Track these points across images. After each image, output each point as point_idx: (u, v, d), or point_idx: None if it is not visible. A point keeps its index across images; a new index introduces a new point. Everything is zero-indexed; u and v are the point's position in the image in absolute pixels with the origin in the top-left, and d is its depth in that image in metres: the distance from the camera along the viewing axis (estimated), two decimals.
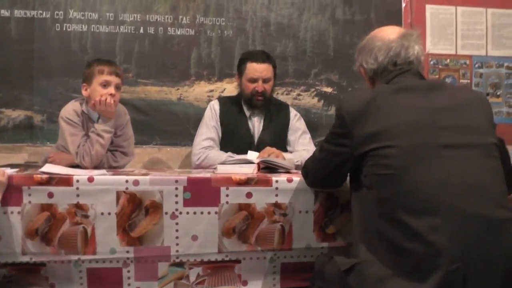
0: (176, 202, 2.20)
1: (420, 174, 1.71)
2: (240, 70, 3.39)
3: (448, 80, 4.48)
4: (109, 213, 2.18)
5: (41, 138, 3.95)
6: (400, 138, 1.76)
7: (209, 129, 3.34)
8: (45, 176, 2.18)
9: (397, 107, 1.82)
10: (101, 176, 2.25)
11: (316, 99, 4.32)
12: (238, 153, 3.13)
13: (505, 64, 4.63)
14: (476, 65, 4.59)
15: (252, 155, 2.96)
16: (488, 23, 4.62)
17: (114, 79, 2.80)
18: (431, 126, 1.78)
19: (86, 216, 2.18)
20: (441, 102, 1.83)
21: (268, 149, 3.04)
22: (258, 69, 3.30)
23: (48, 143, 3.87)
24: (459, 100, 1.86)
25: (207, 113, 3.42)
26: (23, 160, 3.77)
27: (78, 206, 2.17)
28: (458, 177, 1.71)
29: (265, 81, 3.30)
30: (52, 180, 2.17)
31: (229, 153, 3.15)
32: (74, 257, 2.19)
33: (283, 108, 3.54)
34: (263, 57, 3.34)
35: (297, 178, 2.28)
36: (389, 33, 2.04)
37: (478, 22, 4.60)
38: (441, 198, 1.67)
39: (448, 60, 4.54)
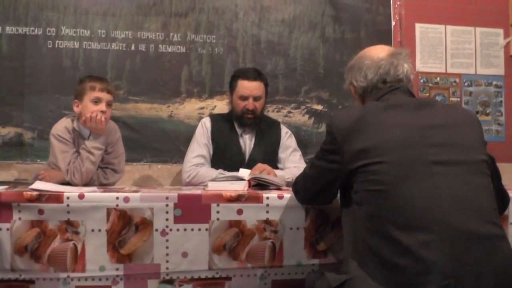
0: (167, 219, 2.19)
1: (410, 190, 1.72)
2: (232, 87, 3.40)
3: (438, 99, 4.51)
4: (100, 230, 2.17)
5: (32, 155, 3.93)
6: (390, 155, 1.76)
7: (200, 146, 3.33)
8: (35, 193, 2.16)
9: (387, 123, 1.83)
10: (92, 193, 2.23)
11: (306, 116, 4.34)
12: (229, 170, 3.13)
13: (494, 83, 4.68)
14: (466, 84, 4.63)
15: (243, 172, 2.96)
16: (476, 42, 4.67)
17: (105, 96, 2.80)
18: (420, 143, 1.78)
19: (77, 233, 2.16)
20: (431, 119, 1.85)
21: (259, 165, 3.04)
22: (249, 87, 3.30)
23: (38, 160, 3.86)
24: (449, 118, 1.88)
25: (199, 130, 3.41)
26: (13, 178, 3.75)
27: (68, 222, 2.16)
28: (448, 193, 1.71)
29: (255, 99, 3.30)
30: (42, 197, 2.15)
31: (220, 170, 3.15)
32: (63, 275, 2.16)
33: (274, 126, 3.54)
34: (255, 74, 3.34)
35: (287, 194, 2.27)
36: (378, 51, 2.07)
37: (467, 41, 4.66)
38: (431, 214, 1.67)
39: (438, 79, 4.59)
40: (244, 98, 3.30)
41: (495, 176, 1.93)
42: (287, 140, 3.49)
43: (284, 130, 3.54)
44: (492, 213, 1.76)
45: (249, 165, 3.16)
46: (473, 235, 1.66)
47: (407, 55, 2.07)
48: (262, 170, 2.98)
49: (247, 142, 3.40)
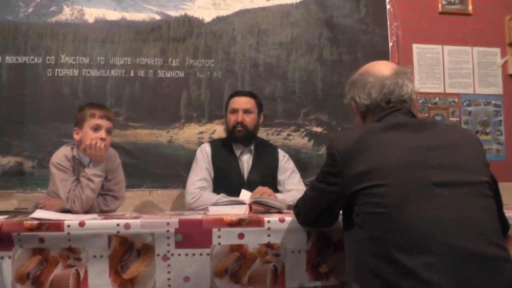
0: (168, 244, 2.18)
1: (412, 212, 1.70)
2: (226, 108, 3.52)
3: (437, 119, 4.51)
4: (101, 256, 2.16)
5: (32, 184, 3.92)
6: (391, 177, 1.75)
7: (202, 170, 3.35)
8: (35, 222, 2.15)
9: (387, 145, 1.82)
10: (92, 220, 2.22)
11: (306, 139, 4.34)
12: (230, 193, 3.12)
13: (493, 102, 4.69)
14: (465, 103, 4.64)
15: (245, 194, 2.96)
16: (474, 61, 4.69)
17: (105, 123, 2.80)
18: (421, 165, 1.77)
19: (79, 259, 2.15)
20: (431, 140, 1.84)
21: (260, 188, 3.02)
22: (238, 100, 3.44)
23: (38, 189, 3.85)
24: (450, 139, 1.86)
25: (199, 155, 3.44)
26: (13, 207, 3.73)
27: (70, 249, 2.15)
28: (450, 215, 1.70)
29: (245, 112, 3.39)
30: (42, 225, 2.14)
31: (222, 195, 3.14)
32: None
33: (272, 150, 3.58)
34: (246, 92, 3.52)
35: (289, 218, 2.26)
36: (382, 69, 2.04)
37: (465, 61, 4.68)
38: (433, 235, 1.66)
39: (437, 99, 4.60)
40: (234, 111, 3.41)
41: (497, 201, 1.89)
42: (285, 163, 3.52)
43: (281, 154, 3.57)
44: (495, 234, 1.74)
45: (248, 187, 3.15)
46: (475, 257, 1.65)
47: (411, 75, 2.06)
48: (262, 193, 2.97)
49: (245, 164, 3.44)
